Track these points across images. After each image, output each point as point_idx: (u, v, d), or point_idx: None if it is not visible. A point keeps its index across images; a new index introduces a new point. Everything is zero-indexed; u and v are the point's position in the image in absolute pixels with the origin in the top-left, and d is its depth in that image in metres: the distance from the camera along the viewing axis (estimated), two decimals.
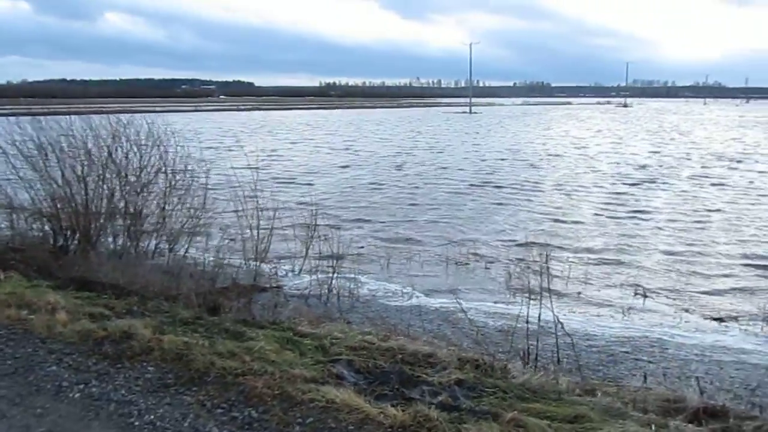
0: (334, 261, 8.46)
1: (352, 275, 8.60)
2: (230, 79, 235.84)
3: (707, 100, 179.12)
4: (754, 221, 13.01)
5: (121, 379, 4.11)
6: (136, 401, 3.81)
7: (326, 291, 7.98)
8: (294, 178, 19.17)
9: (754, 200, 15.47)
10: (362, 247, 10.33)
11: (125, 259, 8.19)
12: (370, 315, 7.07)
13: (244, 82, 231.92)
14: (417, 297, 8.02)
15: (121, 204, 8.88)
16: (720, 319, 7.39)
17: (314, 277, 8.48)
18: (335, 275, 8.16)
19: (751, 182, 18.77)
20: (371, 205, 14.73)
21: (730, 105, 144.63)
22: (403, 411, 3.97)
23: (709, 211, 14.15)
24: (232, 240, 9.27)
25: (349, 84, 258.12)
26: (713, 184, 18.08)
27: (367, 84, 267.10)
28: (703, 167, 22.33)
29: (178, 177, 9.12)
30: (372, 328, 6.16)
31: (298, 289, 8.20)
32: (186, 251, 8.83)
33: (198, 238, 9.08)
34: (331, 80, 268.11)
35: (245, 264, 8.44)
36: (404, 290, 8.29)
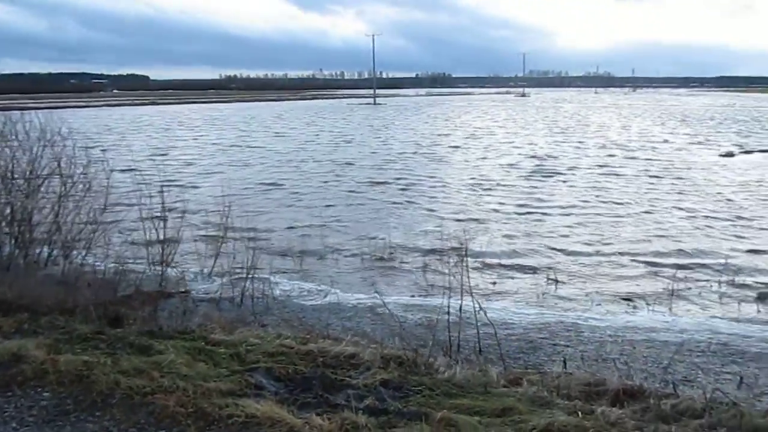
0: (246, 261, 8.06)
1: (265, 275, 8.27)
2: (123, 73, 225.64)
3: (598, 89, 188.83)
4: (653, 205, 13.68)
5: (12, 409, 3.67)
6: None
7: (239, 293, 7.59)
8: (181, 179, 17.80)
9: (650, 187, 16.25)
10: (273, 245, 9.96)
11: (13, 270, 7.48)
12: (287, 316, 6.79)
13: (138, 75, 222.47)
14: (334, 294, 7.80)
15: (8, 210, 8.11)
16: (629, 300, 7.66)
17: (225, 279, 8.07)
18: (248, 276, 7.79)
19: (647, 170, 19.77)
20: (270, 205, 14.15)
21: (618, 94, 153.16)
22: (329, 420, 3.77)
23: (611, 199, 14.76)
24: (134, 244, 8.72)
25: (251, 76, 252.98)
26: (613, 173, 18.71)
27: (270, 76, 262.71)
28: (602, 156, 23.11)
29: (75, 179, 8.41)
30: (289, 330, 5.90)
31: (208, 293, 7.78)
32: (84, 259, 8.17)
33: (98, 244, 8.42)
34: (231, 73, 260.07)
35: (150, 269, 7.94)
36: (320, 288, 8.05)
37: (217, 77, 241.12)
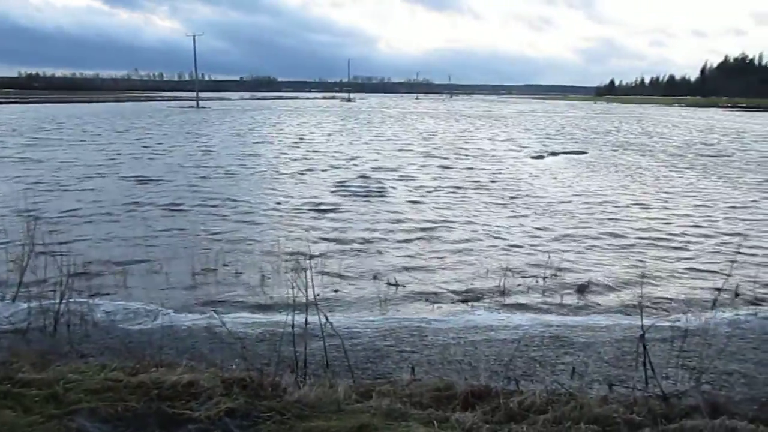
0: (60, 283, 7.10)
1: (83, 298, 7.37)
2: None
3: (419, 95, 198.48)
4: (477, 209, 14.34)
5: None
6: None
7: (51, 320, 6.66)
8: None
9: (475, 192, 16.97)
10: (90, 265, 8.90)
11: None
12: (111, 343, 6.07)
13: None
14: (165, 315, 7.10)
15: None
16: (466, 301, 7.86)
17: (33, 304, 7.03)
18: (62, 300, 6.85)
19: (471, 174, 20.79)
20: (80, 225, 12.25)
21: (437, 100, 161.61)
22: None
23: (440, 202, 15.29)
24: None
25: (57, 75, 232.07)
26: (439, 177, 19.26)
27: (79, 75, 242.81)
28: (431, 167, 23.03)
29: None
30: (116, 360, 5.25)
31: (13, 323, 6.71)
32: None
33: None
34: (32, 71, 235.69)
35: None
36: (148, 308, 7.29)
37: (16, 75, 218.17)
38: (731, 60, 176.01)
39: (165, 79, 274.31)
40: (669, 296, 8.12)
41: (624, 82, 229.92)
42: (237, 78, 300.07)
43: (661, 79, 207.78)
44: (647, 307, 7.37)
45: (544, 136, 38.31)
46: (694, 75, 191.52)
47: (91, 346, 6.11)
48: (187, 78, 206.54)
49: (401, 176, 19.56)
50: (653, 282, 8.67)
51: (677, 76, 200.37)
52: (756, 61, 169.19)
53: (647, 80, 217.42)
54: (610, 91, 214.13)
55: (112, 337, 6.37)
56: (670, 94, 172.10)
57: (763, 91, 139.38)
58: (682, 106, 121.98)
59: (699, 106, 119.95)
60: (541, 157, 25.97)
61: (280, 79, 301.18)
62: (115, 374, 4.73)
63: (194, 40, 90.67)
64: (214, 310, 6.57)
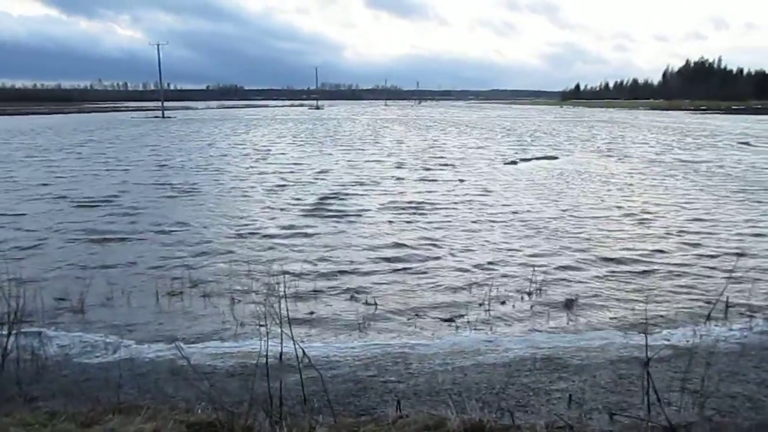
0: (9, 313, 6.47)
1: (36, 329, 6.77)
2: None
3: (388, 102, 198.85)
4: (456, 219, 13.98)
5: None
6: None
7: None
8: None
9: (453, 205, 16.56)
10: (44, 290, 8.21)
11: None
12: (64, 383, 5.49)
13: None
14: (126, 347, 6.52)
15: None
16: (451, 320, 7.44)
17: None
18: (11, 332, 6.21)
19: (458, 184, 20.42)
20: (32, 246, 11.94)
21: (406, 106, 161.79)
22: None
23: (413, 209, 15.00)
24: None
25: (16, 86, 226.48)
26: (415, 191, 18.48)
27: (39, 86, 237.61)
28: (403, 175, 22.68)
29: None
30: (68, 404, 4.71)
31: None
32: None
33: None
34: None
35: None
36: (108, 340, 6.70)
37: None
38: (692, 64, 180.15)
39: (129, 89, 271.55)
40: (661, 311, 7.80)
41: (589, 86, 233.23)
42: (203, 87, 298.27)
43: (625, 83, 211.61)
44: (645, 323, 6.99)
45: (515, 142, 38.24)
46: (656, 79, 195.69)
47: (42, 386, 5.52)
48: (152, 87, 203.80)
49: (375, 191, 18.46)
50: (642, 297, 8.31)
51: (640, 80, 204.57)
52: (715, 65, 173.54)
53: (611, 84, 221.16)
54: (576, 96, 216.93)
55: (66, 375, 5.80)
56: (634, 98, 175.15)
57: (722, 94, 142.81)
58: (646, 109, 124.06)
59: (662, 109, 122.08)
60: (515, 162, 25.78)
61: (246, 88, 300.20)
62: (65, 426, 4.19)
63: (158, 49, 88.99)
64: (178, 343, 6.02)
